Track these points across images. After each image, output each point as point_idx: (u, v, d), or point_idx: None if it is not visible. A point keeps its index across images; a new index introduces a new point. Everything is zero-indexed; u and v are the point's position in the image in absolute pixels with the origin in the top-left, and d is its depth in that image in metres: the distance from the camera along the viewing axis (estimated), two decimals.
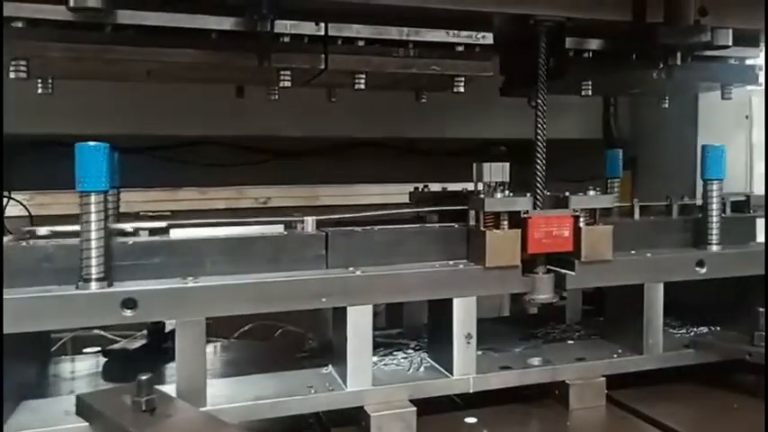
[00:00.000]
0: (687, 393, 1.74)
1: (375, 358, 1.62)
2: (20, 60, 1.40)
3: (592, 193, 1.69)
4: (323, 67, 1.57)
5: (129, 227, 1.51)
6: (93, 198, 1.36)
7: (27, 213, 2.12)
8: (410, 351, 1.73)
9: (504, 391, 1.63)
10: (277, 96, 1.68)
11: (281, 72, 1.55)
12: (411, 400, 1.52)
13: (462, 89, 1.71)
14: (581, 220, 1.67)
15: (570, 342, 1.90)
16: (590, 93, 1.92)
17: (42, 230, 1.51)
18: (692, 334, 1.95)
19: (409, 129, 2.71)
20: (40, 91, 1.51)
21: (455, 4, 1.50)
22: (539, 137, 1.74)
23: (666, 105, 2.13)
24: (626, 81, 2.05)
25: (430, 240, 1.67)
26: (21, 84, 1.47)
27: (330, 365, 1.62)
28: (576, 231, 1.66)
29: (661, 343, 1.75)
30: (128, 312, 1.35)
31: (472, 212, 1.68)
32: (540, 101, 1.73)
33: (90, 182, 1.36)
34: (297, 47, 1.53)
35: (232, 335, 2.00)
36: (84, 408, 1.34)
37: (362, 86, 1.63)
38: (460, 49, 1.64)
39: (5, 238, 1.49)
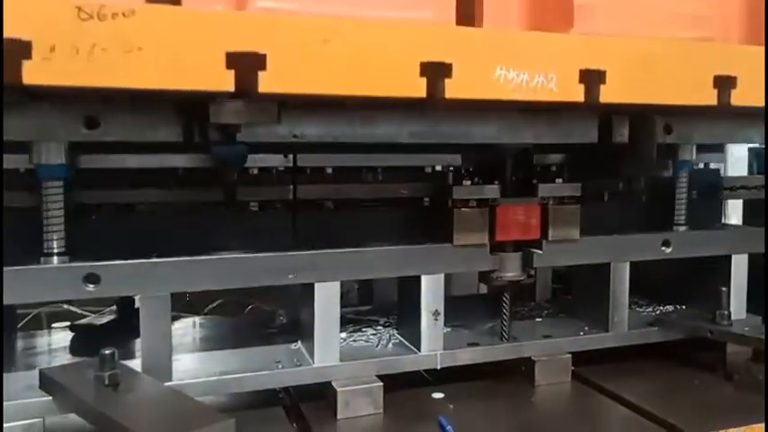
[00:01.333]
0: (651, 370, 1.78)
1: (344, 334, 1.63)
2: None
3: (559, 180, 1.71)
4: (291, 197, 1.62)
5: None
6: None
7: None
8: (379, 327, 1.75)
9: (473, 368, 1.66)
10: None
11: (250, 202, 1.60)
12: (379, 376, 1.54)
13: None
14: (549, 208, 1.68)
15: (538, 320, 1.93)
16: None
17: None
18: (657, 312, 1.99)
19: None
20: None
21: (423, 138, 1.51)
22: None
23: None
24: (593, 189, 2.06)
25: (397, 218, 1.69)
26: None
27: (299, 341, 1.63)
28: (544, 213, 1.67)
29: (626, 321, 1.79)
30: (90, 287, 1.34)
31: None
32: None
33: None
34: (265, 180, 1.59)
35: (202, 311, 2.00)
36: (47, 382, 1.34)
37: (331, 206, 1.69)
38: (429, 170, 1.70)
39: None
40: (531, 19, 1.41)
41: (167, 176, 1.55)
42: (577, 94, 1.34)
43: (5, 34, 0.97)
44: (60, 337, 1.76)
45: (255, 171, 1.55)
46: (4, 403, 1.31)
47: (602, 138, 1.66)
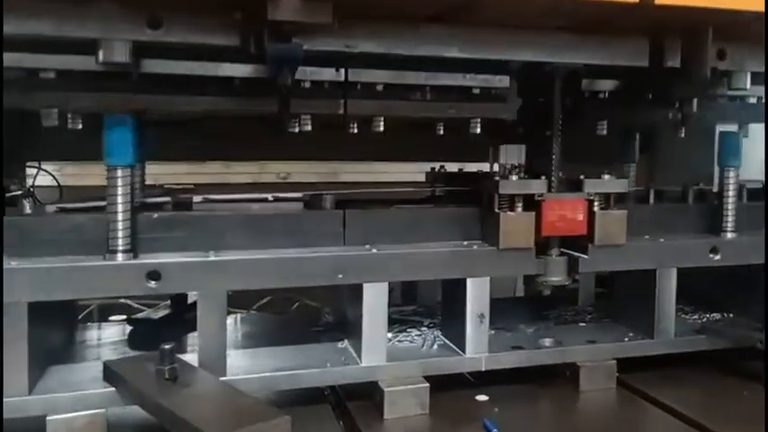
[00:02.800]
0: (697, 379, 1.76)
1: (389, 334, 1.66)
2: (51, 109, 1.42)
3: (606, 177, 1.70)
4: (342, 112, 1.60)
5: (159, 200, 1.55)
6: (119, 172, 1.41)
7: (56, 184, 2.17)
8: (424, 329, 1.77)
9: (515, 371, 1.67)
10: (297, 130, 1.65)
11: (302, 117, 1.58)
12: (423, 377, 1.56)
13: (479, 130, 1.72)
14: (595, 204, 1.68)
15: (582, 324, 1.93)
16: (605, 132, 1.95)
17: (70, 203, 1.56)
18: (704, 320, 1.96)
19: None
20: (70, 126, 1.51)
21: (472, 53, 1.51)
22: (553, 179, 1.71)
23: (683, 135, 2.07)
24: (641, 119, 2.06)
25: (445, 221, 1.69)
26: None
27: (346, 340, 1.67)
28: (590, 215, 1.67)
29: (672, 328, 1.77)
30: (152, 284, 1.40)
31: (486, 194, 1.70)
32: (555, 150, 1.72)
33: (116, 156, 1.40)
34: (317, 93, 1.56)
35: (250, 308, 2.05)
36: (110, 374, 1.40)
37: (381, 129, 1.65)
38: (476, 92, 1.66)
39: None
40: None
41: (223, 86, 1.52)
42: None
43: None
44: (114, 330, 1.83)
45: (308, 84, 1.53)
46: (69, 393, 1.38)
47: (653, 62, 1.62)
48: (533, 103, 1.91)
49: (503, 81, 1.66)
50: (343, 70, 1.56)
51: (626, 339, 1.77)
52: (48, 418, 1.32)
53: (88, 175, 2.81)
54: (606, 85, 1.86)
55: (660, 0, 1.32)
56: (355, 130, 1.67)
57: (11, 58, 1.34)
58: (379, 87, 1.59)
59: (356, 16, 1.38)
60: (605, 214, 1.69)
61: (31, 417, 1.34)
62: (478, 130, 1.70)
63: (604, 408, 1.62)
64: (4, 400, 1.32)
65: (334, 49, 1.42)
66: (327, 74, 1.55)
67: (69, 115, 1.48)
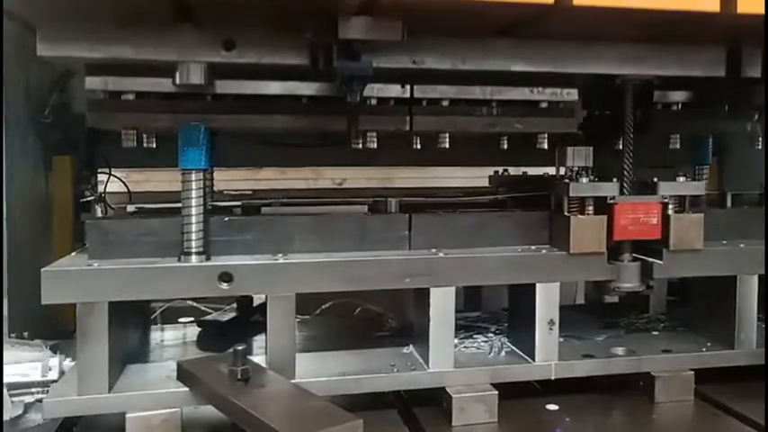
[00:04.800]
0: None
1: (456, 340, 1.63)
2: (129, 130, 1.48)
3: (681, 179, 1.64)
4: (408, 128, 1.60)
5: (227, 204, 1.59)
6: (193, 176, 1.44)
7: (126, 189, 2.25)
8: (490, 335, 1.74)
9: (582, 381, 1.62)
10: (361, 146, 1.65)
11: (368, 133, 1.59)
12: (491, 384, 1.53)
13: (546, 146, 1.69)
14: (669, 207, 1.62)
15: (655, 333, 1.86)
16: (678, 146, 1.88)
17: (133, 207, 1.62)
18: None
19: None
20: (145, 145, 1.56)
21: (540, 67, 1.50)
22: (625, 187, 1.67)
23: (760, 146, 1.96)
24: (716, 129, 1.98)
25: (511, 225, 1.67)
26: None
27: (411, 345, 1.65)
28: (665, 219, 1.61)
29: (754, 338, 1.68)
30: (224, 285, 1.42)
31: (555, 197, 1.66)
32: (627, 155, 1.68)
33: (191, 161, 1.44)
34: (383, 110, 1.57)
35: (312, 313, 2.06)
36: (184, 374, 1.43)
37: (446, 145, 1.64)
38: (544, 105, 1.64)
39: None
40: None
41: (289, 104, 1.54)
42: (713, 2, 1.28)
43: None
44: (181, 332, 1.87)
45: (374, 102, 1.54)
46: (146, 392, 1.41)
47: (730, 71, 1.57)
48: (600, 115, 1.88)
49: (571, 94, 1.64)
50: (408, 86, 1.57)
51: (704, 349, 1.69)
52: (127, 415, 1.36)
53: (148, 181, 2.91)
54: (679, 95, 1.81)
55: (742, 9, 1.28)
56: (418, 146, 1.68)
57: (94, 82, 1.41)
58: (445, 103, 1.59)
59: (423, 32, 1.39)
60: (681, 217, 1.62)
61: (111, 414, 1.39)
62: (546, 146, 1.68)
63: (683, 421, 1.55)
64: (86, 397, 1.37)
65: (401, 66, 1.43)
66: (393, 90, 1.56)
67: (145, 136, 1.53)
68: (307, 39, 1.34)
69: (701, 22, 1.35)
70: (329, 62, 1.34)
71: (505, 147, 1.74)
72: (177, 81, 1.35)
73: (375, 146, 1.59)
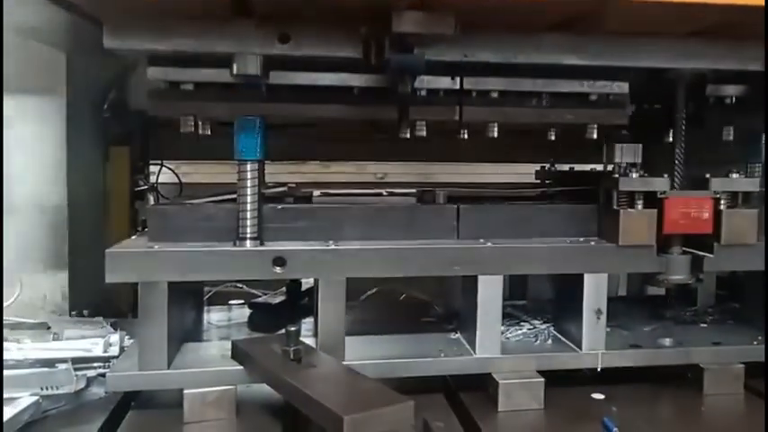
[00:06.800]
0: None
1: (502, 327, 1.65)
2: (188, 117, 1.53)
3: (735, 176, 1.61)
4: (457, 118, 1.60)
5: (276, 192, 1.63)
6: (248, 166, 1.49)
7: (177, 181, 2.33)
8: (536, 323, 1.75)
9: (628, 372, 1.61)
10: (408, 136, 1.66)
11: (417, 123, 1.60)
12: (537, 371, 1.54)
13: (595, 135, 1.68)
14: (722, 202, 1.60)
15: (703, 325, 1.84)
16: (731, 137, 1.84)
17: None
18: None
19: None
20: (200, 132, 1.59)
21: (592, 60, 1.49)
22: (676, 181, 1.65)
23: None
24: None
25: (559, 217, 1.67)
26: None
27: (458, 332, 1.67)
28: (717, 214, 1.59)
29: None
30: (277, 269, 1.47)
31: (604, 192, 1.66)
32: (678, 150, 1.66)
33: (247, 151, 1.49)
34: (433, 100, 1.59)
35: (357, 299, 2.10)
36: (238, 352, 1.49)
37: (495, 134, 1.64)
38: (594, 98, 1.63)
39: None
40: None
41: (345, 95, 1.57)
42: None
43: None
44: (232, 313, 1.93)
45: (424, 93, 1.56)
46: (203, 369, 1.47)
47: None
48: (649, 109, 1.85)
49: (621, 87, 1.63)
50: (458, 78, 1.58)
51: (755, 343, 1.67)
52: (185, 391, 1.42)
53: (196, 173, 3.00)
54: (733, 89, 1.77)
55: None
56: (466, 136, 1.68)
57: (156, 72, 1.46)
58: (494, 94, 1.60)
59: (475, 26, 1.40)
60: (734, 213, 1.60)
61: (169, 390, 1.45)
62: (595, 135, 1.67)
63: (732, 414, 1.54)
64: (146, 372, 1.43)
65: (452, 59, 1.45)
66: (443, 82, 1.58)
67: (200, 123, 1.57)
68: (360, 32, 1.37)
69: (756, 14, 1.32)
70: (381, 55, 1.37)
71: (553, 138, 1.72)
72: (234, 72, 1.39)
73: (424, 133, 1.60)
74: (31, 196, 1.97)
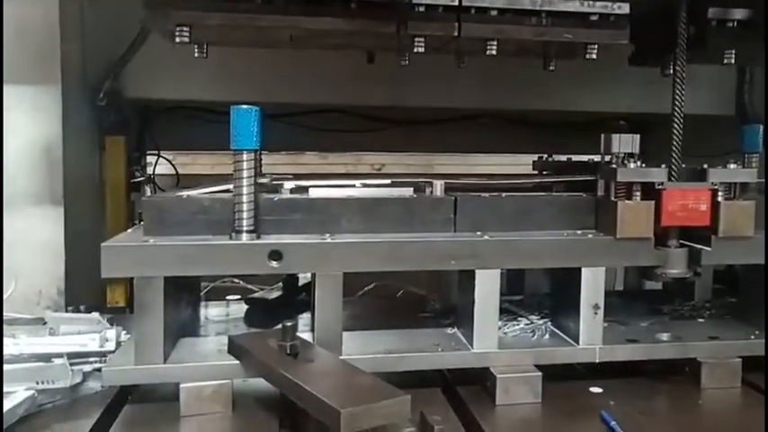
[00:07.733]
0: None
1: (499, 323, 1.64)
2: (183, 27, 1.52)
3: (732, 166, 1.61)
4: (456, 34, 1.59)
5: (274, 183, 1.62)
6: (245, 156, 1.47)
7: (174, 172, 2.32)
8: (533, 318, 1.74)
9: (625, 366, 1.61)
10: (407, 62, 1.72)
11: (416, 39, 1.59)
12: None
13: (595, 56, 1.67)
14: (719, 194, 1.60)
15: (700, 320, 1.84)
16: (732, 61, 1.81)
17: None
18: None
19: (528, 101, 2.66)
20: (196, 55, 1.64)
21: None
22: (676, 107, 1.67)
23: None
24: None
25: (557, 209, 1.66)
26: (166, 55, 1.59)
27: (455, 326, 1.67)
28: (714, 206, 1.59)
29: None
30: (274, 264, 1.46)
31: (602, 182, 1.65)
32: (678, 70, 1.66)
33: (243, 141, 1.47)
34: (432, 15, 1.56)
35: (354, 294, 2.09)
36: (234, 347, 1.48)
37: (494, 52, 1.63)
38: (594, 18, 1.61)
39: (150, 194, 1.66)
40: None
41: (342, 9, 1.56)
42: None
43: None
44: (228, 309, 1.92)
45: (422, 9, 1.55)
46: (199, 363, 1.46)
47: None
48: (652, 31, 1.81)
49: (622, 8, 1.61)
50: None
51: (752, 337, 1.67)
52: (181, 385, 1.41)
53: (194, 164, 2.99)
54: (736, 14, 1.74)
55: None
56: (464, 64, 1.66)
57: None
58: (494, 12, 1.58)
59: None
60: (731, 204, 1.60)
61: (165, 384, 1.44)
62: (595, 56, 1.67)
63: (730, 407, 1.54)
64: (142, 366, 1.42)
65: None
66: None
67: (196, 46, 1.56)
68: None
69: None
70: None
71: (552, 68, 1.73)
72: None
73: (423, 50, 1.59)
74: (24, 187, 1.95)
